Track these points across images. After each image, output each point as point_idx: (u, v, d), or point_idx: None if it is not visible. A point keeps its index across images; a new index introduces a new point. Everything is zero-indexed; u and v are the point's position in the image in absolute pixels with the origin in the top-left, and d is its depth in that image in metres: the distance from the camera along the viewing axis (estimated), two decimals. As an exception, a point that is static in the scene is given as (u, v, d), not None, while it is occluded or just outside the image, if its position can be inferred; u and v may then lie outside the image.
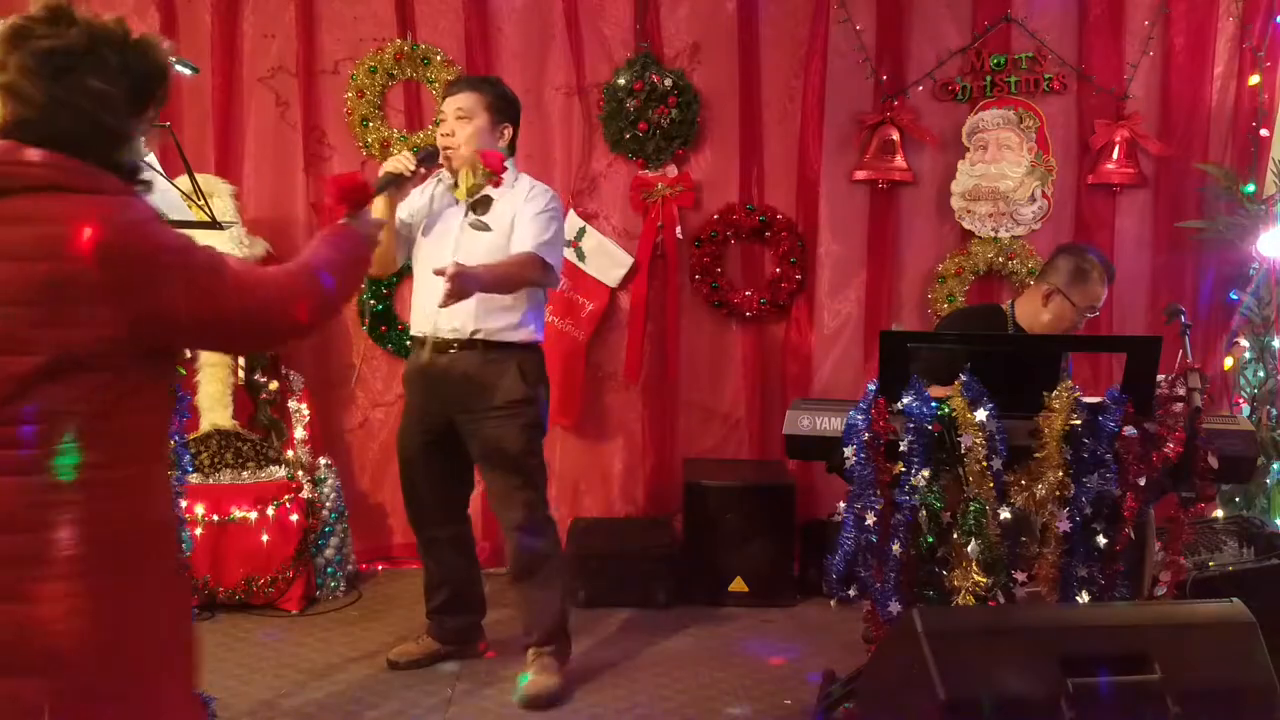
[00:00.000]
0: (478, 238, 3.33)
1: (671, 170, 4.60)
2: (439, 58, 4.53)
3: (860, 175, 4.61)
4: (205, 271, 1.64)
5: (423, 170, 3.22)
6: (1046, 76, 4.56)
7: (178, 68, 3.05)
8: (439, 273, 3.00)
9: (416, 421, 3.52)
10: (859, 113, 4.60)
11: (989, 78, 4.56)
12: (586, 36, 4.59)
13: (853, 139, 4.63)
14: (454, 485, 3.59)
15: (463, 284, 3.02)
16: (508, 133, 3.42)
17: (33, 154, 1.56)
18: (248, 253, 4.27)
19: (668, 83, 4.50)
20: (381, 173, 3.19)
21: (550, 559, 3.47)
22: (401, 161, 3.17)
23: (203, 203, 2.81)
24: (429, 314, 3.29)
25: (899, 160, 4.58)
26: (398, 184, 3.20)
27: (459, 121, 3.35)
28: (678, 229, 4.61)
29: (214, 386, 4.26)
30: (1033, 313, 3.48)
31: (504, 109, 3.41)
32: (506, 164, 3.32)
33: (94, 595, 1.54)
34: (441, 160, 3.36)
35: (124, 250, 1.55)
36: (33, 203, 1.55)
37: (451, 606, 3.65)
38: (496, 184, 3.31)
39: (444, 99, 3.45)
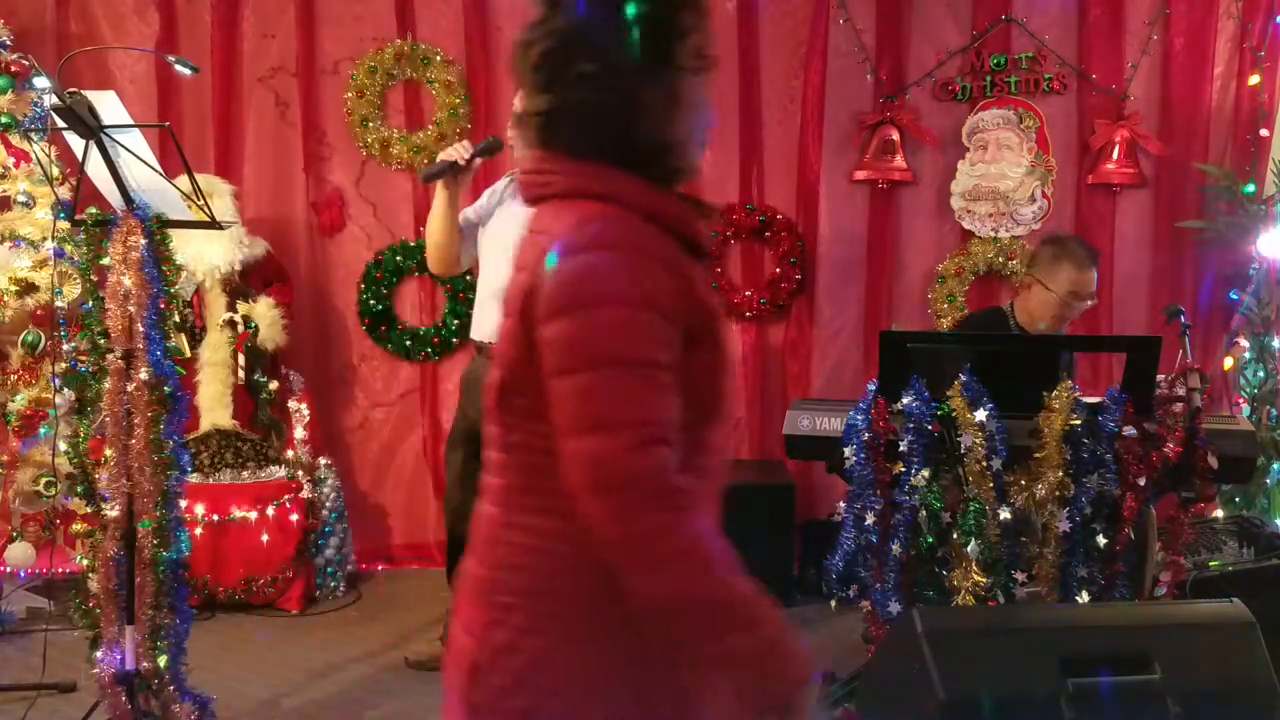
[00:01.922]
0: None
1: (671, 170, 4.59)
2: (439, 58, 4.53)
3: (860, 175, 4.61)
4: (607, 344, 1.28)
5: (478, 161, 3.11)
6: (1046, 76, 4.55)
7: (177, 68, 3.05)
8: None
9: (460, 430, 3.48)
10: (859, 113, 4.60)
11: (989, 78, 4.55)
12: (586, 36, 4.58)
13: (853, 139, 4.62)
14: None
15: None
16: None
17: (545, 161, 1.39)
18: (247, 252, 4.27)
19: (668, 83, 4.49)
20: (437, 159, 3.09)
21: None
22: (457, 150, 3.07)
23: (203, 203, 2.80)
24: (491, 322, 3.20)
25: (899, 160, 4.58)
26: (453, 173, 3.09)
27: None
28: (678, 229, 4.61)
29: (214, 386, 4.23)
30: (1024, 308, 3.48)
31: None
32: None
33: (521, 646, 1.36)
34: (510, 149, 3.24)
35: (562, 270, 1.30)
36: (545, 211, 1.39)
37: None
38: None
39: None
